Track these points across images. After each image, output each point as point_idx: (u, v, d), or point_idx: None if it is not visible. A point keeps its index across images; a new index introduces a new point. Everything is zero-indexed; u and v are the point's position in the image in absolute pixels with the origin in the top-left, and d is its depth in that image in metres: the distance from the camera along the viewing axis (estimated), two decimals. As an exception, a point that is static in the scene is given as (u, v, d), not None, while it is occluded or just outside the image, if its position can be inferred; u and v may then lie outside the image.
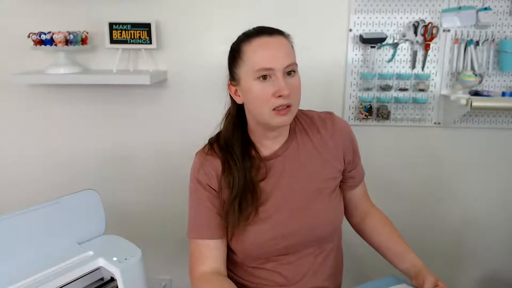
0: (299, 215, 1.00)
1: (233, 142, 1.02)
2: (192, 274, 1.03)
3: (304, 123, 1.07)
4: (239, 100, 1.00)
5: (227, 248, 1.05)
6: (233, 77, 0.99)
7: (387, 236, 1.11)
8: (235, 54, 0.97)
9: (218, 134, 1.08)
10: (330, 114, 1.09)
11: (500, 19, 1.57)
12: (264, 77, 0.91)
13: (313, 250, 1.04)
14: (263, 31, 0.95)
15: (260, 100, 0.93)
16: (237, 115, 1.04)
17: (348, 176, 1.10)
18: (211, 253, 1.02)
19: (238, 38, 0.99)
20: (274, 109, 0.92)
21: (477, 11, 1.56)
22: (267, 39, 0.94)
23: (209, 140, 1.08)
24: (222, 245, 1.03)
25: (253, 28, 0.98)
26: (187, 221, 1.06)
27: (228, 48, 1.02)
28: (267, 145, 1.03)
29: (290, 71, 0.94)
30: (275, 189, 1.01)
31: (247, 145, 1.03)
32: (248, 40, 0.95)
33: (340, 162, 1.07)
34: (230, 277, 1.06)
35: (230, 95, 1.04)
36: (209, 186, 1.02)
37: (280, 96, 0.91)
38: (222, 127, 1.07)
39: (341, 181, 1.10)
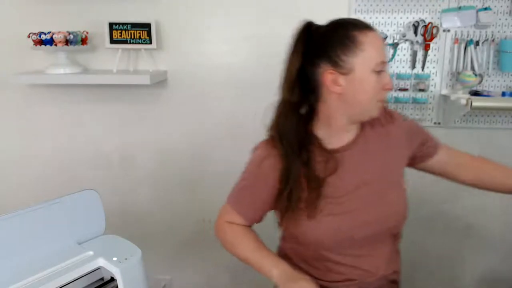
0: (371, 207, 0.99)
1: (295, 135, 0.98)
2: (219, 222, 1.07)
3: None
4: (338, 90, 0.93)
5: (302, 247, 1.05)
6: (338, 65, 0.91)
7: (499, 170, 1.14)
8: (347, 42, 0.90)
9: (275, 127, 1.02)
10: (385, 106, 1.08)
11: (500, 19, 1.57)
12: (379, 70, 0.91)
13: (386, 241, 1.04)
14: (367, 25, 0.93)
15: (372, 92, 0.92)
16: (299, 108, 0.99)
17: (426, 148, 1.09)
18: (241, 223, 1.06)
19: (343, 25, 0.93)
20: (378, 101, 0.94)
21: (477, 11, 1.56)
22: (376, 34, 0.93)
23: (269, 132, 1.04)
24: (248, 230, 1.06)
25: (352, 19, 0.96)
26: (233, 186, 1.06)
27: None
28: (338, 138, 1.01)
29: None
30: (346, 181, 1.00)
31: (310, 138, 1.00)
32: (362, 31, 0.91)
33: (407, 148, 1.06)
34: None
35: (296, 86, 0.96)
36: (269, 178, 1.00)
37: (387, 88, 0.93)
38: (279, 120, 1.00)
39: (423, 157, 1.09)
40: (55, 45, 1.55)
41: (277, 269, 0.95)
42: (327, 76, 0.92)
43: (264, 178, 1.01)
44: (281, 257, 1.05)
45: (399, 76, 1.64)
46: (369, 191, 1.00)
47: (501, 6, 1.56)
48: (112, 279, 1.07)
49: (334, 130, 1.00)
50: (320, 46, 0.93)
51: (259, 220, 1.07)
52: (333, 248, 1.01)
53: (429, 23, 1.58)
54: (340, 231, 0.99)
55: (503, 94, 1.61)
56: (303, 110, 1.00)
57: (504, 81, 1.62)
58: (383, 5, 1.59)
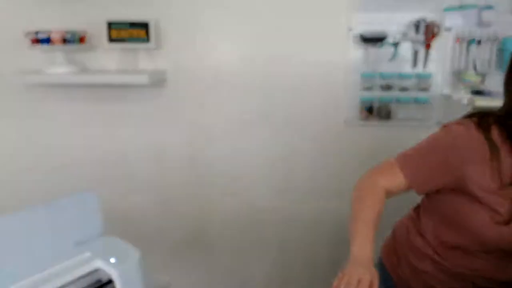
0: None
1: None
2: (371, 177, 1.04)
3: None
4: None
5: (460, 235, 1.01)
6: None
7: None
8: None
9: (492, 117, 0.98)
10: None
11: (502, 18, 1.56)
12: None
13: None
14: None
15: None
16: None
17: None
18: (393, 184, 1.02)
19: None
20: None
21: (479, 9, 1.55)
22: None
23: (477, 119, 1.00)
24: (400, 190, 1.03)
25: None
26: (406, 150, 1.04)
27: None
28: None
29: None
30: None
31: None
32: None
33: None
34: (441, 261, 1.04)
35: None
36: (457, 161, 0.96)
37: None
38: (506, 120, 0.97)
39: None
40: (53, 44, 1.54)
41: (357, 250, 0.93)
42: None
43: (453, 155, 0.96)
44: (411, 228, 1.10)
45: (401, 76, 1.63)
46: None
47: (504, 5, 1.55)
48: (110, 281, 1.07)
49: None
50: None
51: (420, 191, 1.04)
52: (495, 252, 0.99)
53: (431, 21, 1.57)
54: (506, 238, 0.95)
55: (506, 93, 1.60)
56: None
57: (506, 80, 1.61)
58: (384, 4, 1.57)
